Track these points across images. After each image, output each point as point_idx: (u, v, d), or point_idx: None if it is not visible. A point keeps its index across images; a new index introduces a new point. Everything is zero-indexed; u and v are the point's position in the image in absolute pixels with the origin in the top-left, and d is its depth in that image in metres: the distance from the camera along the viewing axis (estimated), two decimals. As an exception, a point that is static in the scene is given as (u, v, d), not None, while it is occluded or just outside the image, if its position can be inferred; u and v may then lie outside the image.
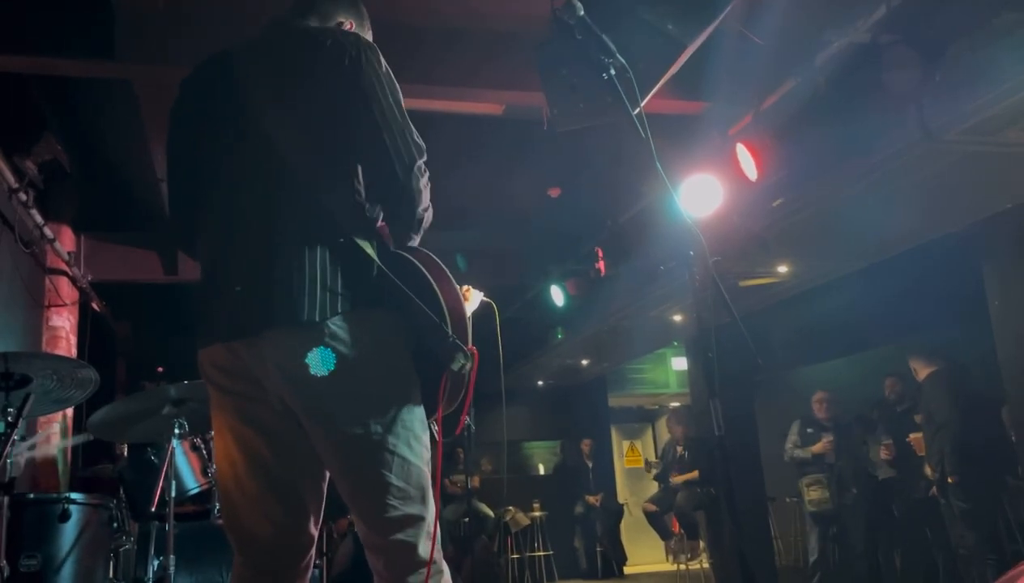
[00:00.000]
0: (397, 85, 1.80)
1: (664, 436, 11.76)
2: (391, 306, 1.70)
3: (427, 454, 1.74)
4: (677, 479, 8.45)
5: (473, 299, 1.94)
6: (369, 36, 1.98)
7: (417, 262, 1.75)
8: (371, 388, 1.69)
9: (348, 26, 1.95)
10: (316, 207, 1.71)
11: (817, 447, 6.76)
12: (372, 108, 1.73)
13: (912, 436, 6.05)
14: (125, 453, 4.38)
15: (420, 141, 1.78)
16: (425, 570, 1.67)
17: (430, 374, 1.74)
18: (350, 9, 1.97)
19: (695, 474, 8.21)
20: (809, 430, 6.89)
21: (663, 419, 12.50)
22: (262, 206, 1.73)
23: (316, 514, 1.83)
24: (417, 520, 1.69)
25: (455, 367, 1.70)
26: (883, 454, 6.19)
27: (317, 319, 1.63)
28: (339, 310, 1.65)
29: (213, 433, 1.84)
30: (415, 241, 1.84)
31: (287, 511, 1.77)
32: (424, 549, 1.68)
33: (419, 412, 1.75)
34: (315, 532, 1.83)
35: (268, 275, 1.67)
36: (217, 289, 1.75)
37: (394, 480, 1.67)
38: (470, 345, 1.76)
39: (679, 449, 8.58)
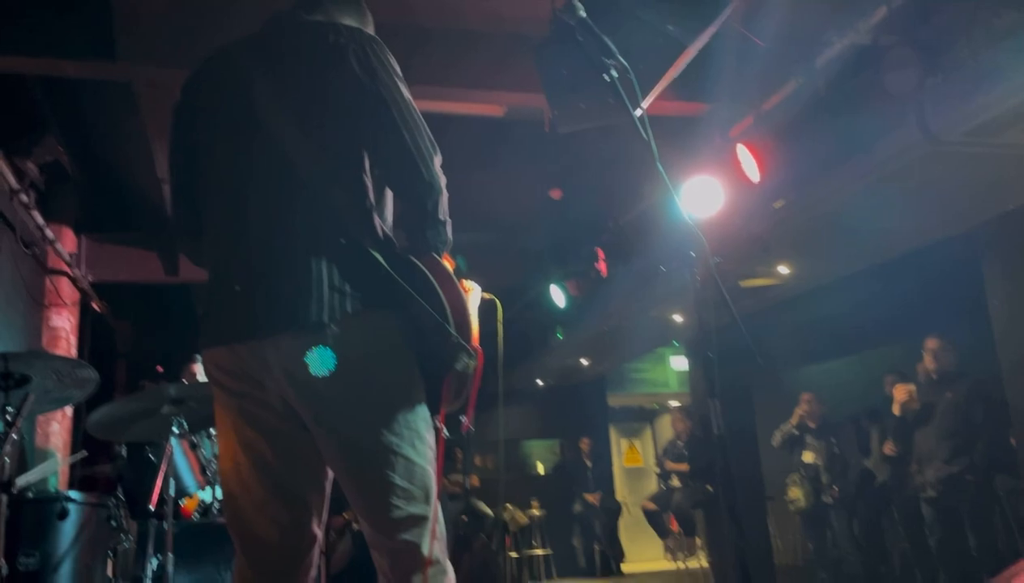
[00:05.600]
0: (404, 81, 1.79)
1: (664, 435, 11.77)
2: (396, 307, 1.70)
3: (431, 454, 1.74)
4: (670, 466, 8.49)
5: (474, 295, 1.94)
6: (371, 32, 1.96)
7: (420, 264, 1.74)
8: (375, 389, 1.69)
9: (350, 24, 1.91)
10: (322, 207, 1.70)
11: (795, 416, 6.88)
12: (388, 105, 1.72)
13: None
14: (124, 452, 4.37)
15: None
16: (431, 568, 1.67)
17: (434, 374, 1.74)
18: (354, 9, 1.94)
19: (685, 467, 8.25)
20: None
21: (663, 419, 12.51)
22: (267, 206, 1.72)
23: (319, 514, 1.83)
24: (421, 520, 1.69)
25: (459, 367, 1.70)
26: (887, 450, 6.14)
27: (326, 320, 1.63)
28: (348, 310, 1.65)
29: (217, 433, 1.83)
30: (442, 247, 1.80)
31: (290, 511, 1.77)
32: (428, 548, 1.68)
33: (423, 412, 1.75)
34: (319, 532, 1.82)
35: (274, 277, 1.67)
36: (222, 291, 1.74)
37: (398, 481, 1.67)
38: (474, 343, 1.76)
39: (680, 444, 8.60)
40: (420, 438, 1.72)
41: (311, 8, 1.89)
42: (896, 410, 5.99)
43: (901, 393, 5.92)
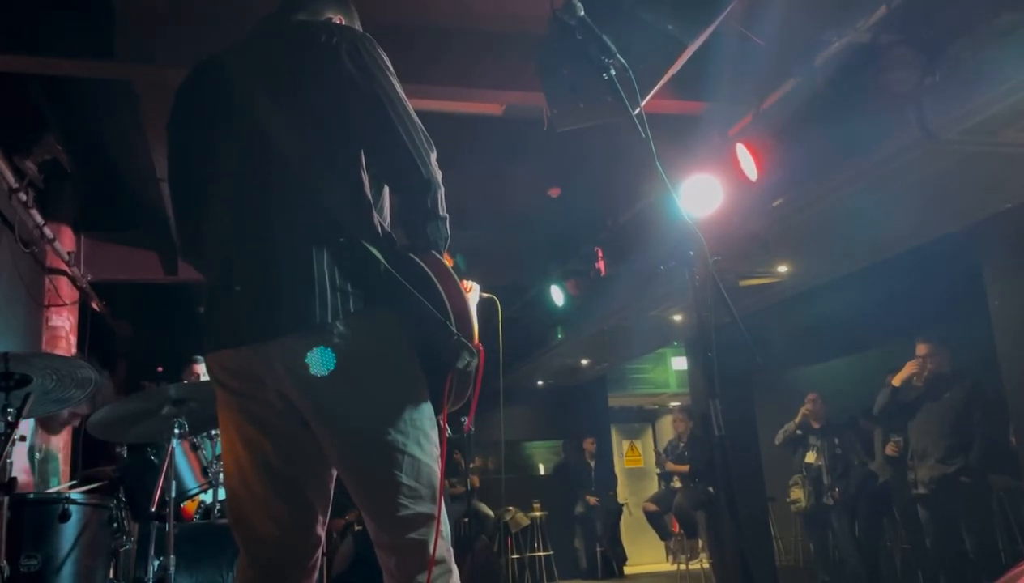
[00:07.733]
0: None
1: (664, 435, 11.76)
2: (397, 305, 1.69)
3: (436, 452, 1.74)
4: (671, 468, 8.48)
5: (473, 294, 1.94)
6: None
7: (420, 262, 1.74)
8: (380, 387, 1.69)
9: (337, 21, 1.91)
10: (321, 206, 1.69)
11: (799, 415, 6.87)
12: (383, 102, 1.71)
13: None
14: (125, 453, 4.37)
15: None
16: (436, 568, 1.67)
17: (436, 373, 1.73)
18: (338, 5, 1.94)
19: (686, 468, 8.25)
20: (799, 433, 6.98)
21: (663, 419, 12.51)
22: (266, 208, 1.72)
23: (323, 514, 1.82)
24: (428, 519, 1.69)
25: (460, 365, 1.69)
26: (889, 450, 6.11)
27: (329, 320, 1.63)
28: (351, 309, 1.65)
29: (220, 433, 1.83)
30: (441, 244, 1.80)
31: (292, 511, 1.77)
32: (434, 547, 1.68)
33: (428, 410, 1.74)
34: (322, 532, 1.82)
35: (276, 278, 1.67)
36: (224, 294, 1.74)
37: (405, 479, 1.67)
38: (476, 342, 1.75)
39: (681, 445, 8.60)
40: (426, 436, 1.72)
41: (296, 7, 1.88)
42: (896, 381, 5.77)
43: (912, 367, 5.71)
